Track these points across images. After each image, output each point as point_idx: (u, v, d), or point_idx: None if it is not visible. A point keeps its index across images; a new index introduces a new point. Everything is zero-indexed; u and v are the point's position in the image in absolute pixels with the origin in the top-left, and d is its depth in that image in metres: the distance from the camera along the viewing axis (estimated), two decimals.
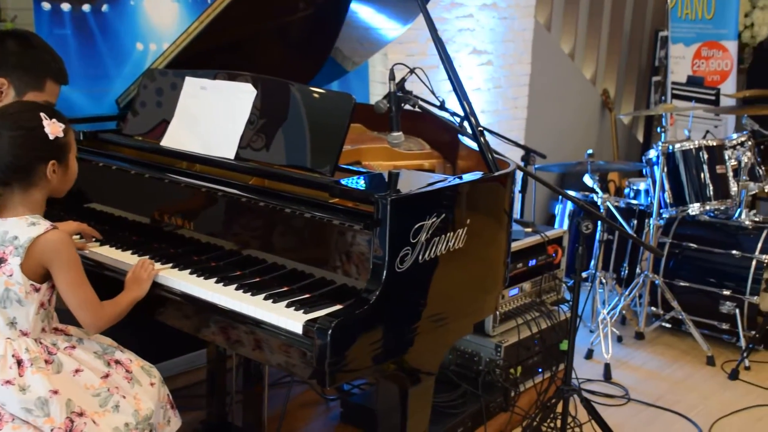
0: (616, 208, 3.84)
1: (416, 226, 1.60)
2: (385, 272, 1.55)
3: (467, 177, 1.79)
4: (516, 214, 3.31)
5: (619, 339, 3.68)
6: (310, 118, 1.82)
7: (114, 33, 2.56)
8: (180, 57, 2.20)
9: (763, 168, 3.73)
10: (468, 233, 1.74)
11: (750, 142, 3.67)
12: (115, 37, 2.57)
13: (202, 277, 1.74)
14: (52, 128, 1.60)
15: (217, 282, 1.72)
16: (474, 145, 1.94)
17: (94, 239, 1.97)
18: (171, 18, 2.69)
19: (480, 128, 1.84)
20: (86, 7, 2.50)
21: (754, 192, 3.68)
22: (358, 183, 1.71)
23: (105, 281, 1.78)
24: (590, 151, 4.00)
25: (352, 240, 1.62)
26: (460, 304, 1.79)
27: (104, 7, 2.54)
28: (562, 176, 4.91)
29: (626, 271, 3.88)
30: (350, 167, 1.96)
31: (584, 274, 3.86)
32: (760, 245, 3.50)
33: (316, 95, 1.86)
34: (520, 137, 4.66)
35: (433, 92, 1.97)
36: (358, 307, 1.52)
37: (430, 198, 1.66)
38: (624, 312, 3.86)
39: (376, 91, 3.70)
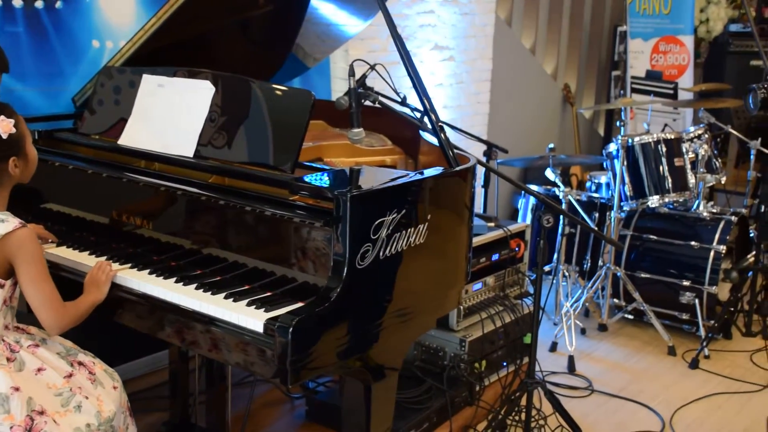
0: (578, 201, 3.86)
1: (377, 222, 1.60)
2: (345, 269, 1.54)
3: (428, 172, 1.79)
4: (479, 209, 3.29)
5: (583, 331, 3.69)
6: (270, 115, 1.82)
7: (69, 30, 2.51)
8: (137, 54, 2.18)
9: (719, 160, 3.79)
10: (429, 228, 1.75)
11: (707, 135, 3.73)
12: (69, 34, 2.52)
13: (162, 277, 1.71)
14: (4, 127, 1.60)
15: (177, 282, 1.70)
16: (435, 140, 1.94)
17: (50, 241, 1.95)
18: (128, 15, 2.65)
19: (440, 124, 1.84)
20: (39, 4, 2.45)
21: (711, 184, 3.72)
22: (319, 179, 1.70)
23: (63, 283, 1.73)
24: (552, 146, 4.02)
25: (312, 237, 1.61)
26: (423, 300, 1.79)
27: (58, 4, 2.49)
28: (525, 170, 4.93)
29: (588, 264, 3.91)
30: (311, 164, 1.96)
31: (547, 268, 3.89)
32: (717, 236, 3.55)
33: (276, 92, 1.84)
34: (482, 132, 4.67)
35: (394, 89, 1.96)
36: (319, 304, 1.52)
37: (391, 194, 1.65)
38: (587, 304, 3.89)
39: (338, 88, 3.68)
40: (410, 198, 1.69)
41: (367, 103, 1.90)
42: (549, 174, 3.69)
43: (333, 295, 1.52)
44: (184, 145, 1.89)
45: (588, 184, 4.20)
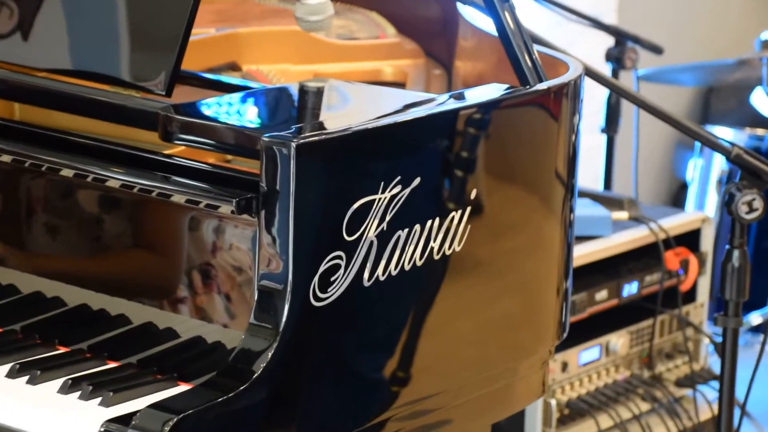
0: None
1: (356, 207, 1.51)
2: (286, 309, 1.46)
3: (473, 96, 1.76)
4: (593, 183, 3.32)
5: None
6: None
7: None
8: None
9: None
10: (473, 222, 1.68)
11: None
12: None
13: None
14: None
15: None
16: (492, 26, 1.87)
17: None
18: None
19: None
20: None
21: None
22: (227, 110, 1.66)
23: None
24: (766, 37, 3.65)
25: (213, 240, 1.57)
26: (460, 381, 1.74)
27: None
28: (705, 95, 4.64)
29: None
30: (214, 77, 1.90)
31: (758, 315, 3.60)
32: None
33: None
34: (607, 11, 4.31)
35: None
36: (225, 388, 1.42)
37: (387, 144, 1.60)
38: None
39: None
40: (431, 153, 1.65)
41: None
42: (761, 99, 3.42)
43: (254, 370, 1.43)
44: None
45: None
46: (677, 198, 4.58)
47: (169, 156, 1.63)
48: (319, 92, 1.75)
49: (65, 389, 1.49)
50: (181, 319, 1.59)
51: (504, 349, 1.83)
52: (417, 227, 1.57)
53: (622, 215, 2.87)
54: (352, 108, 1.77)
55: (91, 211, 1.68)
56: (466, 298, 1.71)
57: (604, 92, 3.26)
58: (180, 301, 1.59)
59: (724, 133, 3.88)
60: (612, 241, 2.79)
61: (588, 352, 2.79)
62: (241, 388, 1.39)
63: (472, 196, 1.66)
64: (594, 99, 3.33)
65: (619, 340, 2.82)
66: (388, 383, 1.62)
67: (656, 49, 3.24)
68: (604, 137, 3.32)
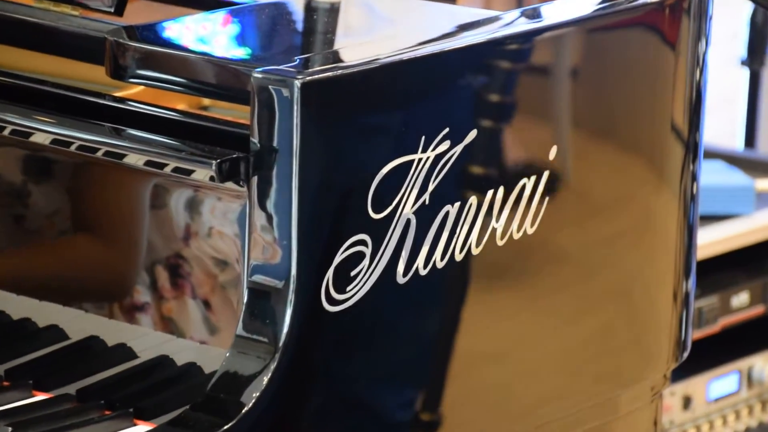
0: None
1: (386, 172, 1.50)
2: (288, 317, 1.45)
3: (553, 12, 1.78)
4: (727, 140, 3.25)
5: None
6: None
7: None
8: None
9: None
10: (552, 195, 1.68)
11: None
12: None
13: None
14: None
15: None
16: None
17: None
18: None
19: None
20: None
21: None
22: (201, 34, 1.69)
23: None
24: None
25: (183, 219, 1.60)
26: (530, 425, 1.78)
27: None
28: None
29: None
30: None
31: None
32: None
33: None
34: None
35: None
36: (198, 430, 1.44)
37: (430, 80, 1.58)
38: None
39: None
40: (492, 96, 1.65)
41: None
42: None
43: (247, 398, 1.43)
44: None
45: None
46: None
47: (120, 100, 1.61)
48: (334, 9, 1.72)
49: None
50: (140, 332, 1.58)
51: (597, 376, 1.82)
52: (473, 200, 1.55)
53: None
54: (380, 31, 1.77)
55: (9, 178, 1.69)
56: (544, 305, 1.70)
57: (747, 6, 3.26)
58: (138, 308, 1.58)
59: None
60: (756, 221, 2.85)
61: (721, 382, 2.82)
62: (225, 427, 1.36)
63: (551, 156, 1.64)
64: (731, 16, 3.33)
65: (767, 366, 2.85)
66: (429, 426, 1.62)
67: None
68: (745, 72, 3.34)
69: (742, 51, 3.32)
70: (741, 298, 2.89)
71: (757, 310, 2.91)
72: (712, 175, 2.66)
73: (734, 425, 2.91)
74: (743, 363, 2.90)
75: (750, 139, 3.37)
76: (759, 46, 3.28)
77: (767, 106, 3.40)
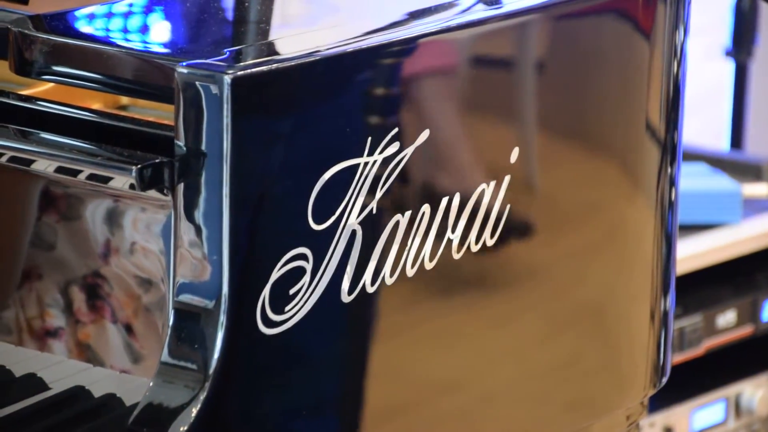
0: None
1: (328, 178, 1.51)
2: (219, 340, 1.46)
3: None
4: (712, 140, 3.32)
5: None
6: None
7: None
8: None
9: None
10: (514, 201, 1.70)
11: None
12: None
13: None
14: None
15: None
16: None
17: None
18: None
19: None
20: None
21: None
22: (117, 24, 1.69)
23: None
24: None
25: (101, 233, 1.59)
26: None
27: None
28: None
29: None
30: None
31: None
32: None
33: None
34: None
35: None
36: None
37: (378, 75, 1.61)
38: None
39: None
40: (447, 92, 1.67)
41: None
42: None
43: None
44: None
45: None
46: None
47: (27, 98, 1.61)
48: None
49: None
50: (51, 360, 1.58)
51: (566, 404, 1.84)
52: (425, 208, 1.56)
53: (760, 190, 2.89)
54: (321, 20, 1.77)
55: None
56: (506, 326, 1.72)
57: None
58: (49, 334, 1.58)
59: None
60: (743, 231, 2.85)
61: (706, 412, 2.89)
62: None
63: (513, 159, 1.64)
64: (713, 4, 3.35)
65: (756, 393, 2.89)
66: None
67: None
68: (730, 65, 3.36)
69: (727, 41, 3.35)
70: (727, 317, 2.92)
71: (746, 330, 2.95)
72: (693, 179, 2.70)
73: None
74: (730, 390, 2.94)
75: (736, 139, 3.37)
76: (746, 35, 3.31)
77: (756, 103, 3.42)
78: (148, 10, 1.77)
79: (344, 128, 1.53)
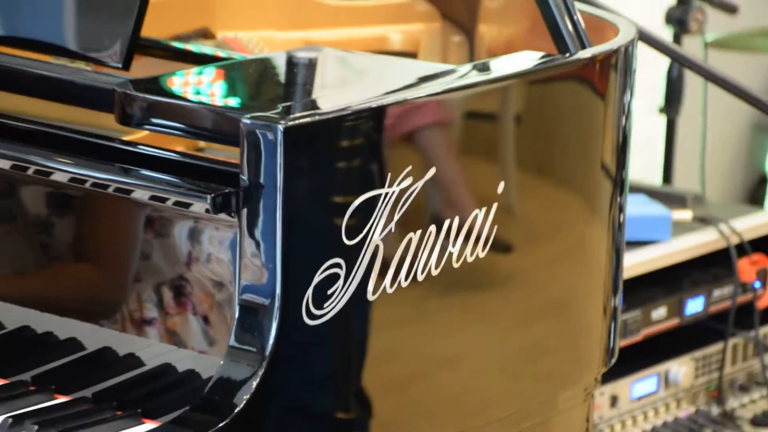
0: None
1: (358, 204, 1.49)
2: (274, 329, 1.45)
3: (500, 66, 1.78)
4: (649, 177, 3.30)
5: None
6: None
7: None
8: None
9: None
10: (500, 223, 1.67)
11: None
12: None
13: None
14: None
15: None
16: None
17: None
18: None
19: None
20: None
21: None
22: (197, 86, 1.67)
23: None
24: None
25: (185, 246, 1.56)
26: (481, 421, 1.75)
27: None
28: None
29: None
30: (182, 46, 1.91)
31: None
32: None
33: None
34: None
35: None
36: (196, 427, 1.42)
37: (395, 125, 1.57)
38: None
39: None
40: (448, 138, 1.65)
41: None
42: None
43: (239, 399, 1.42)
44: None
45: None
46: (754, 194, 4.56)
47: (128, 143, 1.61)
48: (312, 64, 1.72)
49: (4, 429, 1.47)
50: (146, 343, 1.58)
51: (538, 379, 1.82)
52: (432, 228, 1.56)
53: (685, 215, 2.89)
54: (351, 83, 1.76)
55: (33, 211, 1.67)
56: (493, 317, 1.71)
57: (664, 62, 3.25)
58: (145, 323, 1.58)
59: None
60: (672, 246, 2.82)
61: (643, 384, 2.81)
62: (220, 425, 1.37)
63: (499, 190, 1.64)
64: (651, 71, 3.31)
65: (681, 369, 2.83)
66: (396, 419, 1.61)
67: (729, 8, 3.18)
68: (663, 119, 3.32)
69: (661, 101, 3.32)
70: (659, 312, 2.88)
71: (673, 322, 2.90)
72: (635, 206, 2.67)
73: (653, 420, 2.90)
74: (661, 367, 2.90)
75: (667, 175, 3.36)
76: (674, 97, 3.28)
77: (682, 148, 3.39)
78: (219, 75, 1.75)
79: (370, 166, 1.53)
